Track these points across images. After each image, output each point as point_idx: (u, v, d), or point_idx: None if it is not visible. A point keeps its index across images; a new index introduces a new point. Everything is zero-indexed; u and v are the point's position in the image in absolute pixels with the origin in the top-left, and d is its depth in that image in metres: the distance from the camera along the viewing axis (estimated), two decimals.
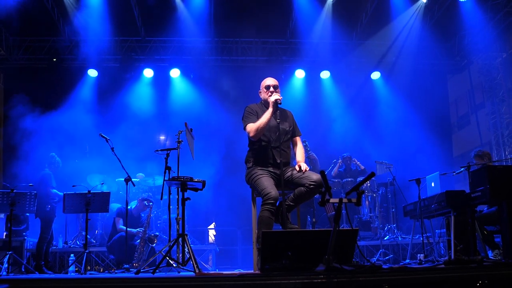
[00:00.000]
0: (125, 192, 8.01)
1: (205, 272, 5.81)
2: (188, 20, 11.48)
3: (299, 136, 5.66)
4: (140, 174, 10.52)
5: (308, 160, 9.32)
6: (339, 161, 11.02)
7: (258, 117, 5.31)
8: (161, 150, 6.64)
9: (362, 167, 10.87)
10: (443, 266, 4.62)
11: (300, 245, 4.28)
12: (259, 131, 5.21)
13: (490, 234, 6.75)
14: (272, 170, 5.23)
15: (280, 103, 5.27)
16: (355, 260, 5.32)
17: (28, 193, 7.57)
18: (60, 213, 8.32)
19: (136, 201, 9.05)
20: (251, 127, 5.26)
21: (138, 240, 8.30)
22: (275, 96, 5.26)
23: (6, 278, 5.44)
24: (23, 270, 7.78)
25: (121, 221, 8.49)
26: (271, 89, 5.43)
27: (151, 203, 8.90)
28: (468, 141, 13.04)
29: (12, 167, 11.34)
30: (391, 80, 12.95)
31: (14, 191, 7.35)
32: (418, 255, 8.03)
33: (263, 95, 5.53)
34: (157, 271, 5.36)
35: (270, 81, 5.52)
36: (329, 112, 12.69)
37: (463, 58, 12.99)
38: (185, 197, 5.89)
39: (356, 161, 10.95)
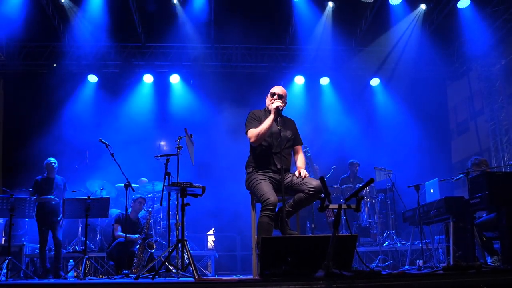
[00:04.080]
0: (124, 198, 8.01)
1: (205, 278, 5.82)
2: (188, 26, 11.50)
3: (300, 145, 5.67)
4: (143, 178, 10.52)
5: (310, 167, 9.34)
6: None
7: (260, 123, 5.31)
8: (161, 156, 6.67)
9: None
10: (442, 272, 4.62)
11: (299, 251, 4.28)
12: (259, 136, 5.22)
13: (489, 240, 6.76)
14: (272, 176, 5.24)
15: (282, 110, 5.29)
16: (354, 266, 5.32)
17: (28, 198, 7.57)
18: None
19: None
20: (252, 132, 5.27)
21: (137, 246, 8.30)
22: (276, 103, 5.27)
23: (5, 283, 5.45)
24: (22, 275, 7.77)
25: (119, 227, 8.48)
26: (275, 96, 5.44)
27: (150, 209, 8.89)
28: (467, 148, 13.07)
29: (11, 173, 11.36)
30: (391, 86, 12.97)
31: (14, 196, 7.36)
32: (417, 261, 8.04)
33: (267, 102, 5.54)
34: (156, 276, 5.37)
35: (276, 89, 5.52)
36: (329, 118, 12.68)
37: (462, 65, 13.01)
38: (185, 202, 5.91)
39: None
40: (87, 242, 7.68)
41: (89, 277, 8.08)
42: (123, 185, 7.79)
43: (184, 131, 6.43)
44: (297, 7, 11.27)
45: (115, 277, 7.44)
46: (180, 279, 5.52)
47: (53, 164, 8.55)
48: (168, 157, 6.62)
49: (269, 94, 5.56)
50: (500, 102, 12.09)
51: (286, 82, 12.81)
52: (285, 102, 5.44)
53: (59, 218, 8.31)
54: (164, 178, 6.38)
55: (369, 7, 11.32)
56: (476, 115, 12.85)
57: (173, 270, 5.80)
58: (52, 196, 8.23)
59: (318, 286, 3.49)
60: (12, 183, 10.22)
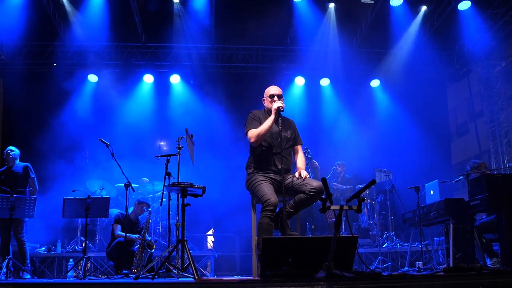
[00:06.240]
0: (124, 198, 8.01)
1: (205, 278, 5.81)
2: (189, 26, 11.51)
3: (300, 145, 5.67)
4: (145, 178, 10.52)
5: (310, 168, 9.33)
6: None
7: (260, 123, 5.31)
8: (162, 156, 6.67)
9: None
10: (442, 273, 4.62)
11: (300, 251, 4.29)
12: (260, 137, 5.22)
13: (489, 242, 6.77)
14: (272, 177, 5.24)
15: (282, 111, 5.28)
16: (354, 267, 5.33)
17: (28, 198, 7.55)
18: (59, 218, 8.31)
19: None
20: (252, 132, 5.27)
21: (137, 246, 8.29)
22: (278, 104, 5.26)
23: (5, 282, 5.44)
24: (21, 274, 7.76)
25: (118, 227, 8.46)
26: (275, 98, 5.42)
27: (150, 209, 8.88)
28: (467, 149, 13.08)
29: None
30: (391, 88, 12.98)
31: (14, 195, 7.35)
32: (417, 262, 8.04)
33: (267, 103, 5.54)
34: (156, 276, 5.36)
35: (274, 90, 5.51)
36: (329, 119, 12.70)
37: (463, 67, 13.01)
38: (185, 203, 5.91)
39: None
40: (87, 242, 7.66)
41: (88, 277, 8.07)
42: (123, 185, 7.79)
43: (185, 131, 6.44)
44: (297, 8, 11.28)
45: (115, 277, 7.44)
46: (180, 279, 5.52)
47: (9, 152, 8.28)
48: (168, 157, 6.62)
49: (266, 95, 5.54)
50: (500, 104, 12.09)
51: (287, 83, 12.82)
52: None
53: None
54: (165, 178, 6.38)
55: (369, 8, 11.32)
56: (476, 117, 12.85)
57: (173, 270, 5.80)
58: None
59: (319, 287, 3.49)
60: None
